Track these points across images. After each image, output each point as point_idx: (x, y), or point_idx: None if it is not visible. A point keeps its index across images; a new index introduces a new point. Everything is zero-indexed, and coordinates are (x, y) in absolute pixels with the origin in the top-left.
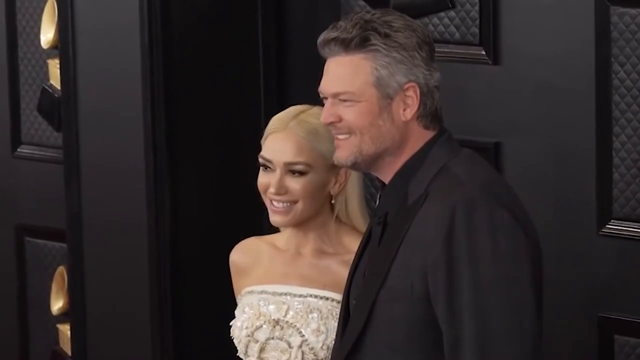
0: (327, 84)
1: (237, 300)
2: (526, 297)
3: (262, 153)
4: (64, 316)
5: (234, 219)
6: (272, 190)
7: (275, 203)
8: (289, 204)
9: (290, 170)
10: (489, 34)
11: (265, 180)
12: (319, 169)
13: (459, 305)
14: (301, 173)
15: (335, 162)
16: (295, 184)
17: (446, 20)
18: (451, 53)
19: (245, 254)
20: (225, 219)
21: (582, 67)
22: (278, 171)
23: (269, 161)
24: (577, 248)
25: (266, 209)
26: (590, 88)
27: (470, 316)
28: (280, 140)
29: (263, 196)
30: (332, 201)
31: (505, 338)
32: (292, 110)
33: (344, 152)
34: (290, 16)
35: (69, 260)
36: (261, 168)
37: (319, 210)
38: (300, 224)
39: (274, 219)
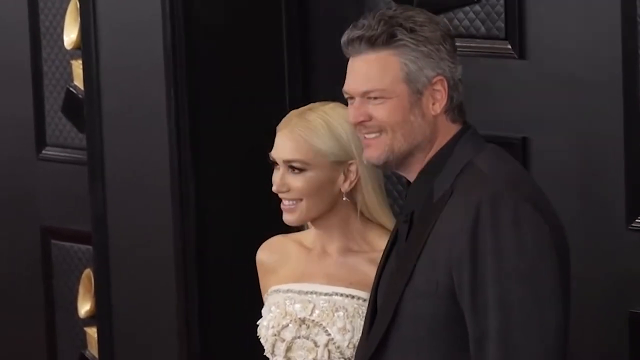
0: (355, 83)
1: (264, 299)
2: (551, 290)
3: (271, 151)
4: (91, 319)
5: (261, 216)
6: (274, 187)
7: (284, 201)
8: (294, 202)
9: (290, 167)
10: (515, 27)
11: (273, 177)
12: (318, 166)
13: (483, 298)
14: (300, 170)
15: (365, 162)
16: (295, 182)
17: (471, 15)
18: (477, 47)
19: (272, 253)
20: (251, 217)
21: (609, 59)
22: (281, 169)
23: (274, 159)
24: (606, 243)
25: None
26: (617, 81)
27: (494, 309)
28: (282, 138)
29: None
30: (344, 198)
31: (529, 331)
32: (304, 107)
33: (375, 151)
34: (313, 13)
35: (95, 263)
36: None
37: (335, 208)
38: (320, 222)
39: (285, 217)
